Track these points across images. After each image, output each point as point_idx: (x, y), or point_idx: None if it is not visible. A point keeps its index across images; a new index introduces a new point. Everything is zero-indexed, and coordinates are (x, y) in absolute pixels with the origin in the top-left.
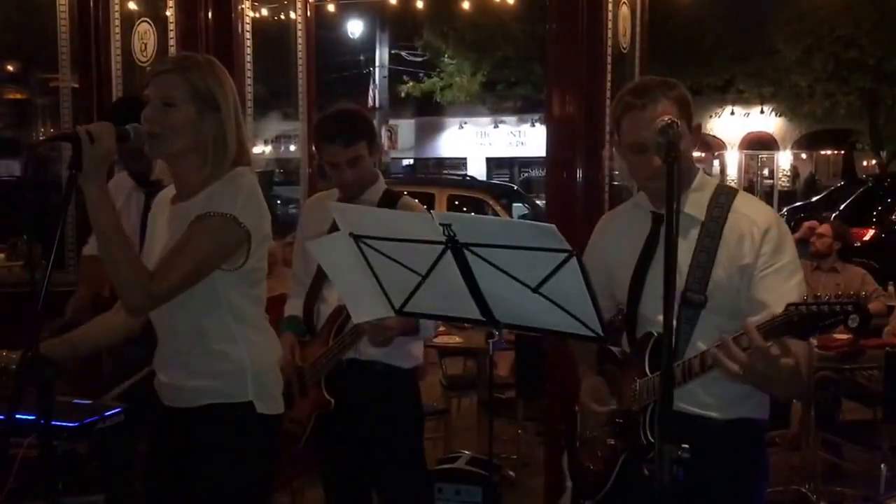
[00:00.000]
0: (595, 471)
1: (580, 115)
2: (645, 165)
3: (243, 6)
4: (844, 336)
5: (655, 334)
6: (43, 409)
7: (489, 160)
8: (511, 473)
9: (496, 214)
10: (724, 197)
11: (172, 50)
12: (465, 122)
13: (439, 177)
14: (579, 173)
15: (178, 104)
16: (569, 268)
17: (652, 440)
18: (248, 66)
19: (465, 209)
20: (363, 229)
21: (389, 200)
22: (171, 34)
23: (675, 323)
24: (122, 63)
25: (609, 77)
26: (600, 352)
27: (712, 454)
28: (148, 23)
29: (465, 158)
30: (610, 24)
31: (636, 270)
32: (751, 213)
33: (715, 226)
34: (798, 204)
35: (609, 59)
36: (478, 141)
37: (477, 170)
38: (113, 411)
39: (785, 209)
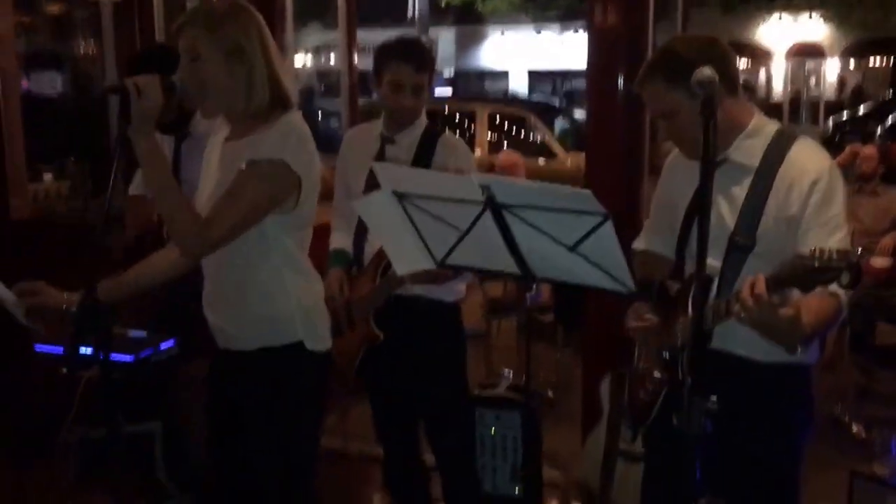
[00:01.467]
0: (643, 400)
1: (621, 24)
2: (672, 131)
3: None
4: (880, 260)
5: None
6: (103, 349)
7: (531, 73)
8: (550, 394)
9: (537, 131)
10: (781, 143)
11: None
12: (507, 30)
13: (481, 94)
14: (620, 82)
15: (204, 56)
16: (603, 230)
17: (686, 377)
18: None
19: (506, 126)
20: (405, 188)
21: (431, 136)
22: None
23: (720, 265)
24: None
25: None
26: (660, 287)
27: (756, 397)
28: None
29: (506, 72)
30: None
31: (687, 213)
32: (803, 162)
33: (768, 173)
34: (844, 116)
35: None
36: (519, 51)
37: (518, 83)
38: (167, 343)
39: (831, 119)
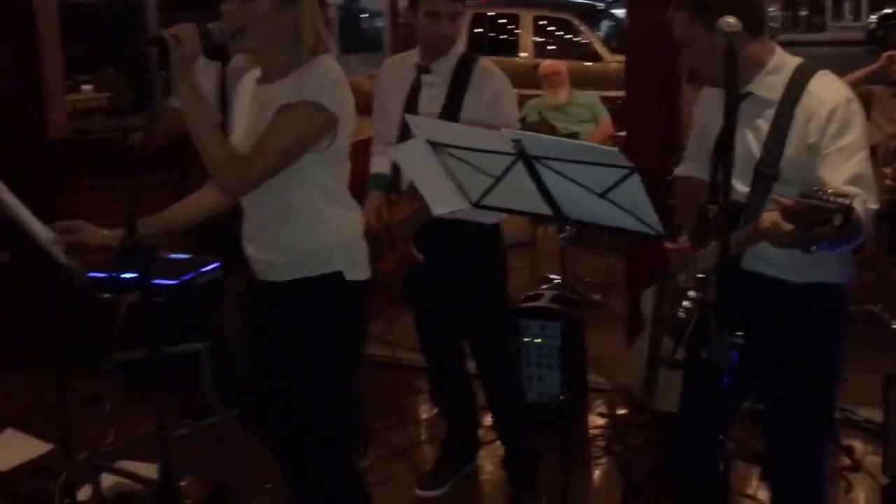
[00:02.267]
0: (680, 318)
1: None
2: (690, 58)
3: None
4: None
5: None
6: (145, 287)
7: None
8: (596, 297)
9: (583, 34)
10: (801, 77)
11: None
12: None
13: None
14: None
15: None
16: (631, 181)
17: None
18: None
19: (551, 29)
20: (439, 138)
21: (467, 63)
22: None
23: (748, 191)
24: None
25: None
26: (699, 212)
27: (789, 316)
28: None
29: None
30: None
31: (717, 142)
32: (821, 93)
33: (789, 105)
34: (888, 10)
35: None
36: None
37: None
38: (210, 266)
39: (874, 15)
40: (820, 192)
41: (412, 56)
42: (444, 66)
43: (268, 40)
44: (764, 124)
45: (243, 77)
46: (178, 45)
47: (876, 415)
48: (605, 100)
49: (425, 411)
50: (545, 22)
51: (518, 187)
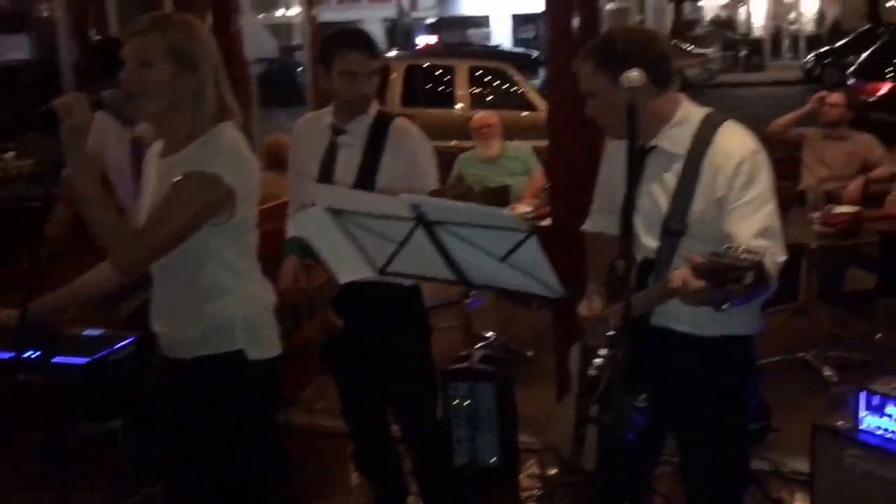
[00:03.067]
0: (592, 376)
1: None
2: (593, 109)
3: None
4: (846, 210)
5: (639, 259)
6: (46, 368)
7: (515, 17)
8: (529, 353)
9: (517, 84)
10: (708, 129)
11: None
12: None
13: (460, 48)
14: (575, 23)
15: (155, 64)
16: (528, 245)
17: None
18: None
19: (486, 80)
20: (340, 205)
21: (383, 122)
22: None
23: (657, 246)
24: None
25: None
26: (610, 268)
27: (699, 370)
28: None
29: (487, 16)
30: None
31: (626, 197)
32: (727, 146)
33: (696, 158)
34: (824, 49)
35: None
36: None
37: (501, 27)
38: (124, 342)
39: (811, 55)
40: (731, 250)
41: (326, 115)
42: (360, 127)
43: (167, 107)
44: (671, 178)
45: (146, 156)
46: (67, 115)
47: (805, 465)
48: (540, 149)
49: (354, 480)
50: (481, 72)
51: (422, 253)
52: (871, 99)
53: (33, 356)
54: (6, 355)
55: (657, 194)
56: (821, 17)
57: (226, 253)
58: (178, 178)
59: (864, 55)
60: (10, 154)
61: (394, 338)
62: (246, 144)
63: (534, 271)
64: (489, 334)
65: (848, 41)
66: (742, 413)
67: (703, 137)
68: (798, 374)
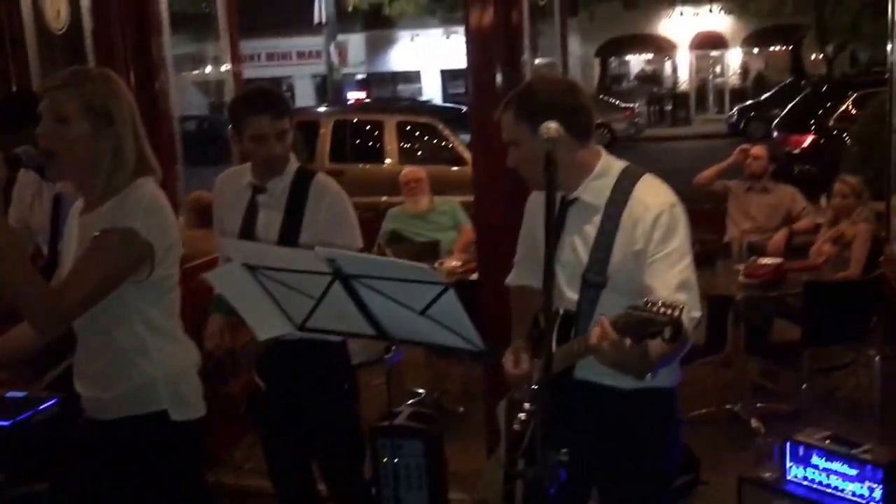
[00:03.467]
0: (517, 430)
1: (498, 25)
2: (514, 159)
3: None
4: (769, 262)
5: (561, 311)
6: None
7: (443, 72)
8: (461, 409)
9: (447, 139)
10: (626, 181)
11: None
12: (417, 35)
13: (388, 103)
14: (498, 80)
15: (72, 120)
16: (447, 298)
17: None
18: None
19: (415, 135)
20: (256, 261)
21: (304, 179)
22: None
23: (577, 299)
24: (37, 33)
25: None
26: (534, 322)
27: (622, 423)
28: None
29: (418, 72)
30: None
31: (546, 249)
32: (646, 199)
33: (615, 211)
34: (749, 102)
35: None
36: (431, 53)
37: (431, 83)
38: (48, 403)
39: (736, 108)
40: (649, 304)
41: (246, 173)
42: (279, 186)
43: (86, 164)
44: (591, 230)
45: (69, 215)
46: None
47: None
48: (470, 204)
49: None
50: (410, 127)
51: (340, 308)
52: (796, 151)
53: None
54: None
55: (577, 246)
56: (745, 71)
57: (147, 311)
58: (96, 234)
59: (787, 108)
60: None
61: (320, 395)
62: (165, 200)
63: (454, 325)
64: (420, 391)
65: (771, 94)
66: (665, 466)
67: (622, 190)
68: (726, 425)
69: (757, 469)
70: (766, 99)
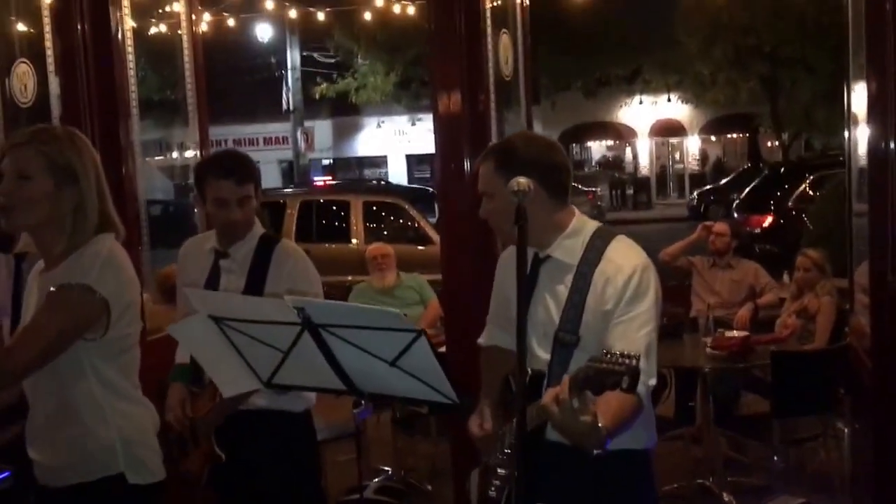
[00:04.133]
0: (491, 497)
1: (464, 112)
2: (488, 210)
3: (122, 18)
4: (737, 334)
5: (530, 371)
6: None
7: (409, 157)
8: (428, 487)
9: (413, 219)
10: (599, 241)
11: (54, 84)
12: (383, 121)
13: (355, 184)
14: (467, 165)
15: (34, 177)
16: (418, 345)
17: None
18: (132, 75)
19: (382, 215)
20: (222, 312)
21: (267, 245)
22: (51, 63)
23: (549, 359)
24: (2, 106)
25: (493, 88)
26: (506, 381)
27: (598, 483)
28: (26, 63)
29: (385, 157)
30: (490, 55)
31: (518, 306)
32: (618, 260)
33: (587, 269)
34: (708, 187)
35: (492, 85)
36: (397, 138)
37: (397, 168)
38: (0, 476)
39: (695, 192)
40: (607, 356)
41: (210, 238)
42: (242, 251)
43: (45, 221)
44: (563, 289)
45: (29, 275)
46: None
47: None
48: (438, 283)
49: None
50: (376, 207)
51: (309, 362)
52: (756, 231)
53: None
54: None
55: (550, 304)
56: (703, 157)
57: (104, 370)
58: (51, 290)
59: (747, 189)
60: None
61: (283, 467)
62: (126, 257)
63: (425, 376)
64: (386, 468)
65: (730, 179)
66: None
67: (595, 249)
68: (698, 500)
69: None
70: (725, 183)
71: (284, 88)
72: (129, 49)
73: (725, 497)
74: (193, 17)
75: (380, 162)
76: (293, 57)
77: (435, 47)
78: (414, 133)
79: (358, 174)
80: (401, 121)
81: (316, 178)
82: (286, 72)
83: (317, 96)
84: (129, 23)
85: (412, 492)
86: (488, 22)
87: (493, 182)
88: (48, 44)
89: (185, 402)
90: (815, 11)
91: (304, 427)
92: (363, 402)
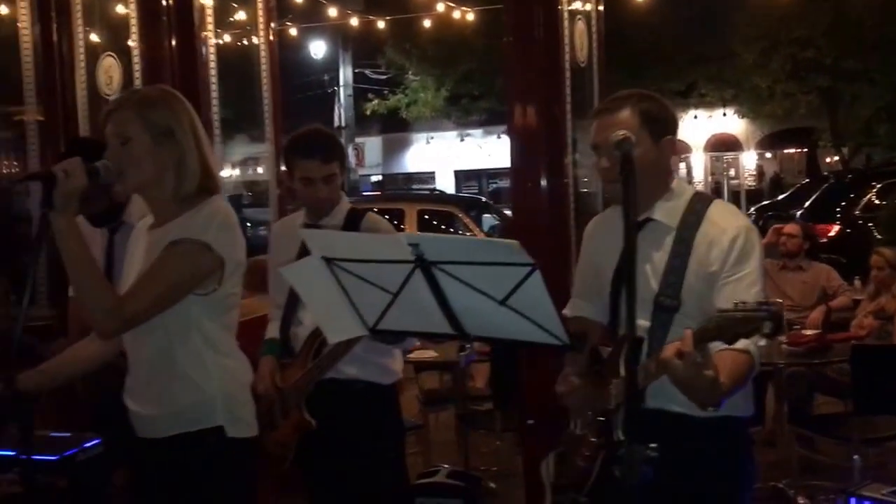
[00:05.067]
0: (582, 466)
1: (541, 127)
2: (598, 166)
3: (207, 33)
4: (811, 332)
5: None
6: (24, 445)
7: (457, 173)
8: (492, 485)
9: (466, 227)
10: (699, 205)
11: (138, 82)
12: (432, 137)
13: (408, 192)
14: (543, 181)
15: (133, 137)
16: (532, 281)
17: (622, 438)
18: (214, 91)
19: (434, 223)
20: (334, 252)
21: (354, 219)
22: (136, 66)
23: (649, 325)
24: (88, 97)
25: (569, 90)
26: (592, 352)
27: (693, 452)
28: (112, 56)
29: (433, 172)
30: (566, 40)
31: (615, 274)
32: (721, 222)
33: (688, 233)
34: (765, 203)
35: (568, 73)
36: (445, 155)
37: (445, 183)
38: (91, 442)
39: (752, 209)
40: (741, 305)
41: (300, 216)
42: (331, 224)
43: (150, 179)
44: (661, 254)
45: (133, 233)
46: (66, 178)
47: None
48: None
49: None
50: (429, 216)
51: (417, 304)
52: (822, 240)
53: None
54: None
55: (647, 270)
56: (759, 172)
57: (208, 326)
58: (168, 244)
59: (811, 199)
60: None
61: (369, 439)
62: (236, 219)
63: (536, 314)
64: (446, 466)
65: (789, 195)
66: (739, 496)
67: (696, 212)
68: (771, 502)
69: None
70: (783, 199)
71: (337, 105)
72: (213, 66)
73: (800, 500)
74: (272, 24)
75: (428, 178)
76: (346, 74)
77: (512, 59)
78: (462, 149)
79: (407, 190)
80: (450, 136)
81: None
82: (339, 88)
83: (367, 112)
84: (213, 41)
85: (479, 485)
86: (565, 22)
87: (623, 122)
88: (133, 43)
89: (276, 373)
90: (876, 22)
91: (391, 401)
92: (469, 345)
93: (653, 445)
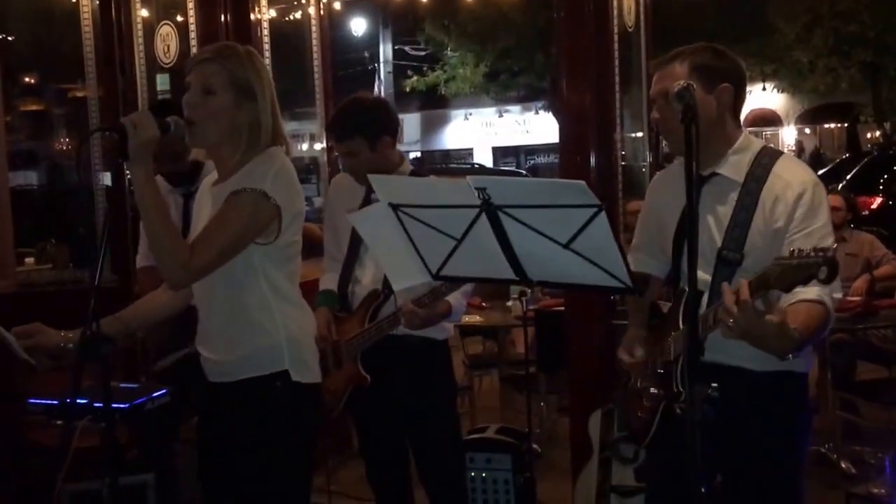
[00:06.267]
0: (642, 418)
1: (591, 100)
2: (654, 119)
3: (261, 6)
4: (857, 298)
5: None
6: (103, 384)
7: (495, 149)
8: (536, 447)
9: None
10: (766, 159)
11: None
12: (470, 114)
13: (448, 167)
14: (592, 158)
15: (217, 91)
16: (598, 222)
17: (682, 389)
18: (268, 65)
19: None
20: (401, 198)
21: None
22: (193, 37)
23: (710, 279)
24: (147, 67)
25: (616, 59)
26: (652, 307)
27: (752, 404)
28: (169, 25)
29: (471, 149)
30: (615, 3)
31: (678, 228)
32: (788, 177)
33: (754, 187)
34: None
35: (616, 38)
36: (483, 131)
37: (483, 159)
38: (159, 392)
39: None
40: (796, 252)
41: None
42: None
43: (224, 135)
44: (727, 207)
45: (199, 191)
46: (136, 130)
47: None
48: None
49: None
50: None
51: (481, 249)
52: (864, 213)
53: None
54: (54, 402)
55: (711, 224)
56: (799, 148)
57: (272, 274)
58: (228, 195)
59: (853, 171)
60: (30, 260)
61: (423, 392)
62: (294, 171)
63: (600, 258)
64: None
65: (829, 169)
66: (796, 452)
67: (762, 166)
68: (815, 469)
69: (867, 485)
70: (823, 174)
71: (377, 82)
72: (266, 40)
73: (844, 465)
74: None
75: (466, 154)
76: (385, 50)
77: (563, 35)
78: (500, 125)
79: (445, 167)
80: (488, 113)
81: None
82: (379, 65)
83: (407, 89)
84: (268, 14)
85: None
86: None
87: (678, 75)
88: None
89: (331, 323)
90: None
91: (445, 356)
92: (530, 290)
93: (714, 385)
